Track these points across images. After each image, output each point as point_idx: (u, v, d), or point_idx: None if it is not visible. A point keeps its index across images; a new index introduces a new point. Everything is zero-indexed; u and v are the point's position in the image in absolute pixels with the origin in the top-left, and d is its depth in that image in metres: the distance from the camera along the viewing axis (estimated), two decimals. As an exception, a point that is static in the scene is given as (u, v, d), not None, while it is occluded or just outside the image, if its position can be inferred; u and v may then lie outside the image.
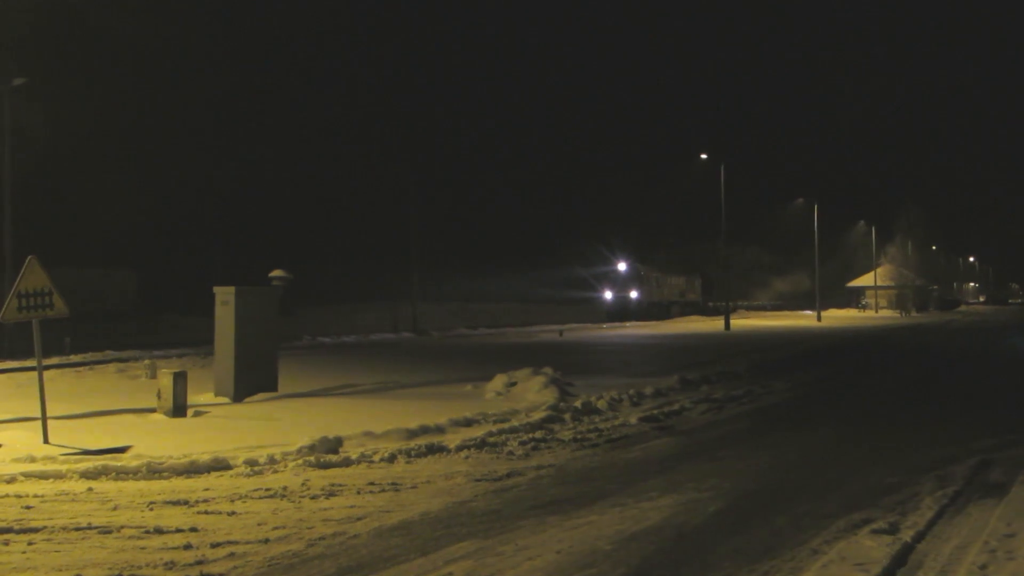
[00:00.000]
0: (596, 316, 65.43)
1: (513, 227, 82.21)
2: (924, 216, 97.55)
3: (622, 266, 70.18)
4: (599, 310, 68.34)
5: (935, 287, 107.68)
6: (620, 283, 69.83)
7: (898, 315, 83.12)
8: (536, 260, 76.28)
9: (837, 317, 74.67)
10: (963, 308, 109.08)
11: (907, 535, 7.53)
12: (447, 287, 64.33)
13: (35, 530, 7.72)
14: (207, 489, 9.43)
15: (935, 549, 7.28)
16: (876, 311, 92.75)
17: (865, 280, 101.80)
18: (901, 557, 7.01)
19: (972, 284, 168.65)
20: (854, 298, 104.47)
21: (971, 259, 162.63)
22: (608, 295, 69.96)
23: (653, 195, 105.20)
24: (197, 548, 7.25)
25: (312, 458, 10.83)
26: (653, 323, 60.47)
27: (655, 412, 15.32)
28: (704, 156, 56.56)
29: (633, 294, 69.31)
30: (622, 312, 67.06)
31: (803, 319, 68.25)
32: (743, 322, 59.22)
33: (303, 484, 9.66)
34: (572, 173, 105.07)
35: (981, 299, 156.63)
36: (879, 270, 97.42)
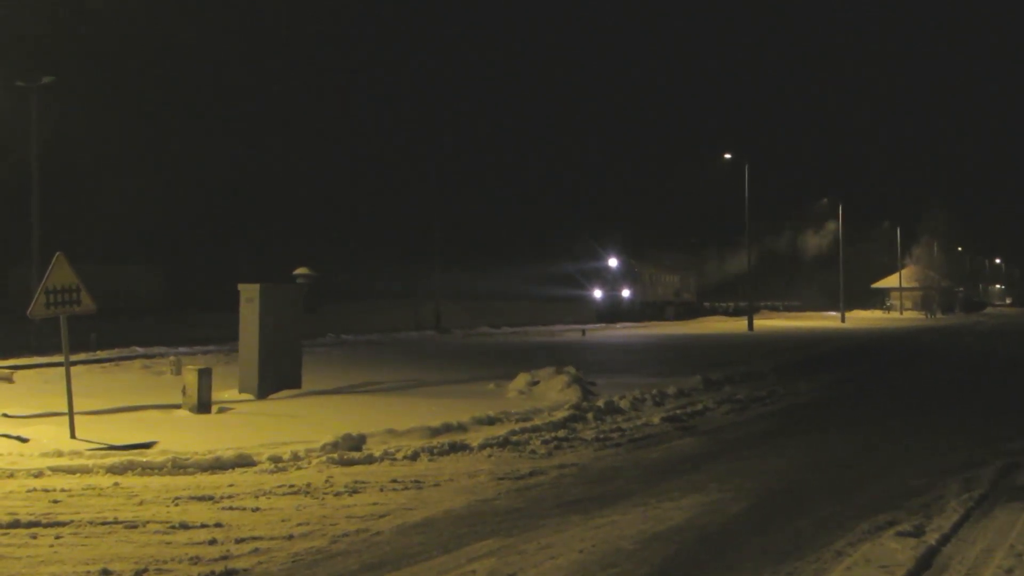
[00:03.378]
0: (584, 316, 60.26)
1: (487, 218, 78.05)
2: (950, 217, 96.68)
3: (613, 262, 65.13)
4: (587, 309, 63.74)
5: (961, 288, 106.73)
6: (611, 280, 64.69)
7: (923, 316, 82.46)
8: (514, 254, 72.48)
9: (861, 318, 74.19)
10: (989, 310, 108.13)
11: (932, 538, 7.47)
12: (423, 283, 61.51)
13: (62, 524, 7.80)
14: (231, 485, 9.50)
15: (960, 552, 7.23)
16: (901, 312, 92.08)
17: (890, 281, 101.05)
18: (926, 560, 6.96)
19: (998, 286, 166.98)
20: (879, 299, 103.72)
21: (997, 260, 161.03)
22: (598, 293, 64.95)
23: (655, 191, 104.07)
24: (222, 543, 7.30)
25: (335, 455, 10.88)
26: (677, 323, 59.75)
27: (678, 412, 15.29)
28: (728, 156, 56.07)
29: (625, 292, 64.27)
30: (613, 312, 62.04)
31: (827, 320, 67.81)
32: (766, 323, 58.89)
33: (326, 481, 9.71)
34: (559, 163, 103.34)
35: (1007, 301, 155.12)
36: (904, 271, 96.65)
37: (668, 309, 69.20)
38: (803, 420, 15.13)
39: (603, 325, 53.51)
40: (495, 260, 68.00)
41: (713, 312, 77.91)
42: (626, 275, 65.20)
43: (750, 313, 51.90)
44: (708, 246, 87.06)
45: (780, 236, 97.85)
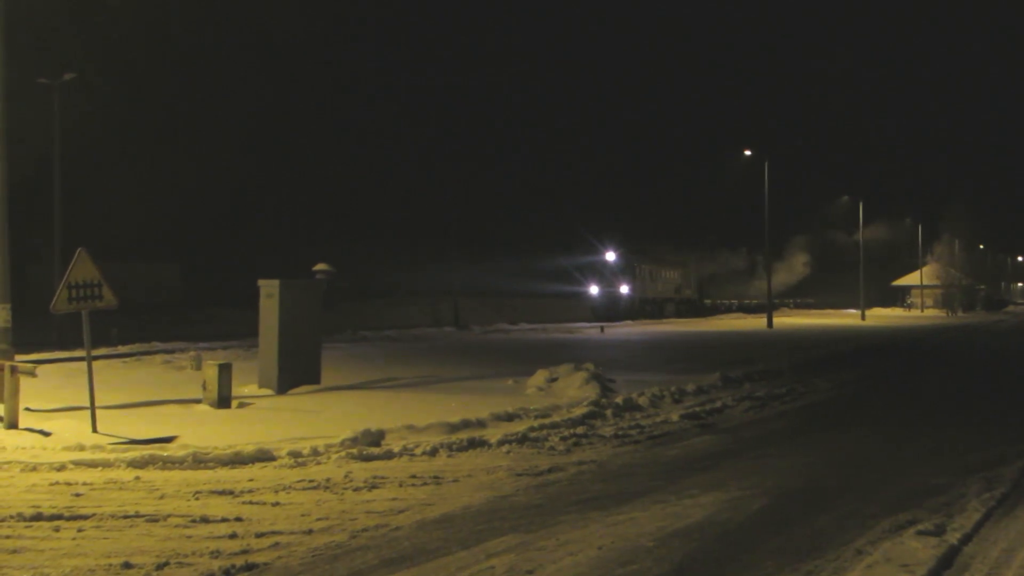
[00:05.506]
0: (579, 314, 57.06)
1: (485, 212, 74.42)
2: (972, 214, 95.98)
3: (611, 256, 60.79)
4: (583, 307, 59.90)
5: (982, 287, 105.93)
6: (608, 276, 60.44)
7: (944, 315, 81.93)
8: (503, 248, 67.60)
9: (882, 316, 73.72)
10: (1011, 308, 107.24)
11: (953, 537, 7.43)
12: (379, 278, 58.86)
13: (84, 517, 7.86)
14: (251, 480, 9.55)
15: (982, 552, 7.19)
16: (922, 310, 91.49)
17: (911, 279, 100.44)
18: (947, 559, 6.92)
19: (1020, 284, 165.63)
20: (899, 297, 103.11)
21: (1020, 258, 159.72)
22: (594, 290, 60.69)
23: (658, 186, 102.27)
24: (242, 537, 7.35)
25: (355, 450, 10.91)
26: (693, 321, 59.21)
27: (697, 409, 15.25)
28: (748, 152, 55.75)
29: (624, 289, 60.10)
30: (610, 310, 58.05)
31: (847, 318, 67.44)
32: (785, 320, 58.66)
33: (346, 476, 9.74)
34: (556, 155, 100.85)
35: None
36: (925, 269, 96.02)
37: (668, 307, 66.16)
38: (823, 418, 15.07)
39: (597, 325, 51.17)
40: (484, 255, 65.06)
41: (715, 309, 75.58)
42: (624, 270, 61.16)
43: (769, 310, 51.65)
44: (730, 245, 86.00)
45: (796, 233, 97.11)
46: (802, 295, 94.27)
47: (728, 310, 76.54)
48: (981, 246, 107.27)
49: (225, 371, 14.33)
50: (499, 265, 64.12)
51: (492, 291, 60.22)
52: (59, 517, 7.84)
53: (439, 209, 57.25)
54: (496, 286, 61.90)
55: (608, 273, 61.05)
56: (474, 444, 11.63)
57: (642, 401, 15.68)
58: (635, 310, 59.99)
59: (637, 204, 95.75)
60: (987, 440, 12.56)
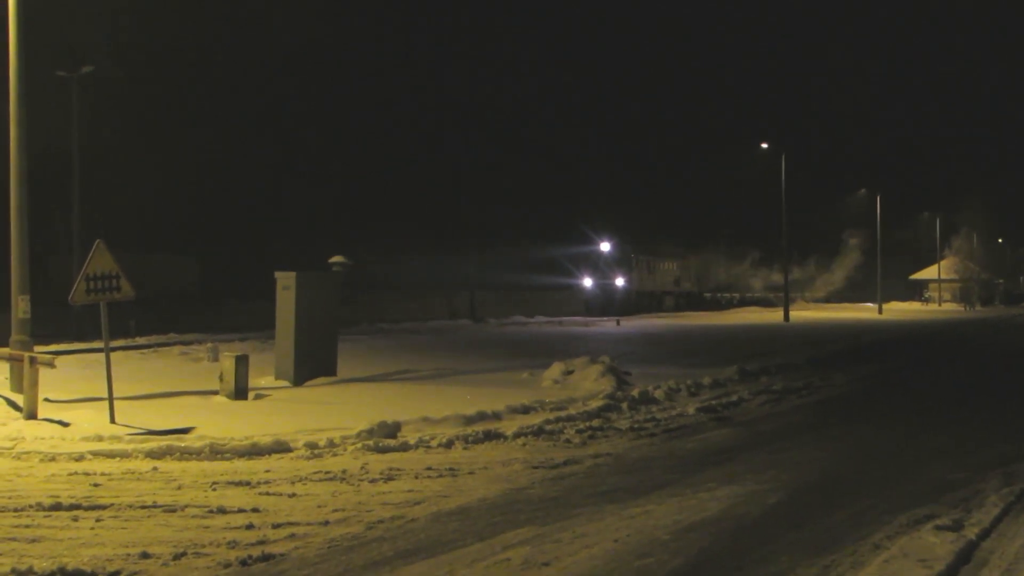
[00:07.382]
0: (572, 308, 55.30)
1: (484, 203, 72.55)
2: (990, 208, 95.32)
3: (606, 247, 57.77)
4: (576, 300, 57.66)
5: (1001, 281, 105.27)
6: (603, 268, 57.45)
7: (962, 309, 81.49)
8: (483, 236, 66.95)
9: (899, 310, 73.32)
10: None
11: (971, 532, 7.39)
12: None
13: (103, 507, 7.91)
14: (268, 471, 9.59)
15: (1000, 547, 7.14)
16: (939, 304, 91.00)
17: (929, 273, 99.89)
18: (965, 554, 6.89)
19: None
20: (917, 291, 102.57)
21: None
22: (588, 282, 57.78)
23: (665, 180, 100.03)
24: (259, 528, 7.37)
25: (371, 442, 10.94)
26: (708, 314, 59.01)
27: (713, 403, 15.22)
28: (765, 145, 55.40)
29: (619, 281, 56.80)
30: (605, 304, 55.12)
31: (864, 311, 67.15)
32: (802, 314, 58.47)
33: (362, 468, 9.77)
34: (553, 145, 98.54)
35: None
36: (943, 263, 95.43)
37: (667, 300, 63.72)
38: (840, 412, 15.01)
39: (613, 318, 48.49)
40: (487, 247, 63.22)
41: (716, 303, 73.89)
42: (621, 262, 57.93)
43: (786, 304, 51.50)
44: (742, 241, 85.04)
45: (812, 227, 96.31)
46: (808, 288, 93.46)
47: (730, 304, 75.08)
48: (1000, 240, 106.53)
49: (242, 363, 14.40)
50: (503, 258, 62.75)
51: (500, 284, 59.14)
52: (78, 507, 7.89)
53: (449, 203, 57.01)
54: (501, 279, 60.65)
55: (603, 265, 58.10)
56: (490, 436, 11.64)
57: (658, 394, 15.67)
58: (631, 304, 57.33)
59: (641, 202, 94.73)
60: (1005, 436, 12.48)
